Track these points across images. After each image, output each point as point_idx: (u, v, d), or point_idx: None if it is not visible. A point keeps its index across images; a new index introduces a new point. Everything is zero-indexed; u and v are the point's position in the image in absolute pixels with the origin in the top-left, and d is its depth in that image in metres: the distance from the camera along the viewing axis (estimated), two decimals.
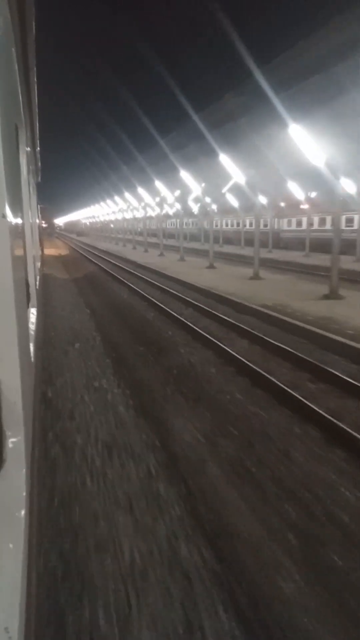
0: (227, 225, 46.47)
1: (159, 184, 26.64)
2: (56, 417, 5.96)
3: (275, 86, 11.08)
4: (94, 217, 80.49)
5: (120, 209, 48.19)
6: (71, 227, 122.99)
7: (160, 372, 8.19)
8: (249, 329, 9.96)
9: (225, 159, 16.51)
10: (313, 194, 33.40)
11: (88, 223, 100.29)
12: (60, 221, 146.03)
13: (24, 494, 1.21)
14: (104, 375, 8.25)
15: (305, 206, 35.93)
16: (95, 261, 28.74)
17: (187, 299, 14.19)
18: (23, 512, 1.18)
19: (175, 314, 11.94)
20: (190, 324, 10.70)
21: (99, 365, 8.79)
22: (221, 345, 8.91)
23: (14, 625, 0.91)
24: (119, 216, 51.61)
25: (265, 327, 10.43)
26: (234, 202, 34.49)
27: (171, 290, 15.91)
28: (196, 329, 10.24)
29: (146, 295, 15.12)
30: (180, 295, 14.93)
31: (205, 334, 9.75)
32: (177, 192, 28.18)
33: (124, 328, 11.60)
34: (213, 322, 11.27)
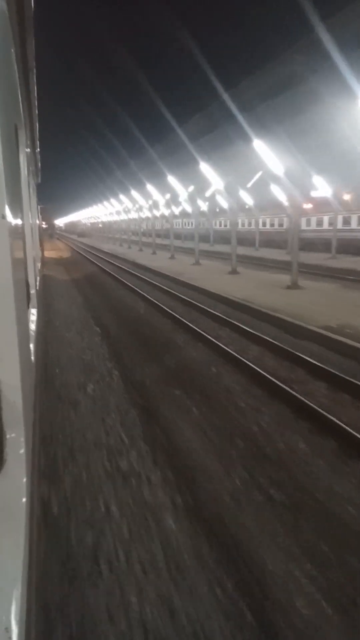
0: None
1: (171, 179, 23.95)
2: (70, 579, 3.31)
3: (342, 43, 8.48)
4: (96, 217, 77.84)
5: (124, 209, 45.47)
6: (72, 228, 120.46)
7: (214, 440, 5.59)
8: (323, 366, 7.34)
9: (260, 145, 13.85)
10: (321, 193, 30.82)
11: (89, 224, 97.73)
12: (60, 222, 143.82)
13: (25, 493, 1.19)
14: (133, 443, 5.64)
15: (309, 205, 33.26)
16: (101, 265, 26.13)
17: (219, 314, 11.58)
18: (24, 512, 1.16)
19: (211, 339, 9.34)
20: (238, 356, 8.09)
21: (123, 424, 6.18)
22: (295, 394, 6.30)
23: (14, 626, 0.90)
24: (124, 216, 48.89)
25: (344, 362, 7.79)
26: (246, 199, 31.90)
27: (196, 303, 13.30)
28: (250, 364, 7.62)
29: (167, 309, 12.51)
30: (209, 310, 12.31)
31: (264, 374, 7.14)
32: (191, 188, 25.55)
33: (148, 357, 8.99)
34: (266, 352, 8.65)
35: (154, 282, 18.11)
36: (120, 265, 26.15)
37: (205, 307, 12.62)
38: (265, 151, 13.95)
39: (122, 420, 6.32)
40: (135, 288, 16.57)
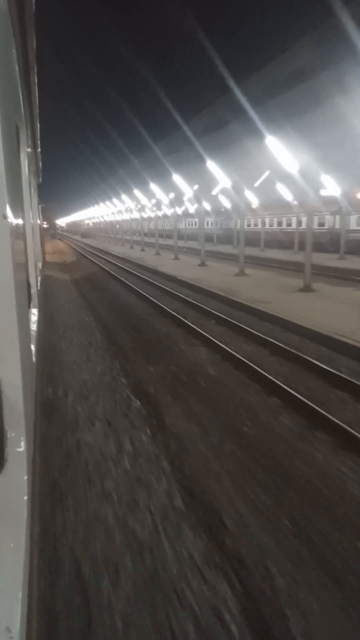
0: (246, 224, 39.15)
1: (210, 164, 18.87)
2: None
3: None
4: (101, 216, 72.70)
5: (137, 206, 40.38)
6: (74, 228, 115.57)
7: None
8: None
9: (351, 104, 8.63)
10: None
11: (91, 224, 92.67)
12: (62, 222, 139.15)
13: (26, 493, 1.18)
14: None
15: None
16: (115, 274, 21.09)
17: (348, 378, 6.55)
18: (25, 512, 1.14)
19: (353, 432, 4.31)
20: None
21: None
22: None
23: (16, 625, 0.90)
24: (136, 215, 43.77)
25: None
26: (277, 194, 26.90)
27: (294, 351, 8.25)
28: None
29: (246, 361, 7.50)
30: (330, 370, 7.28)
31: None
32: (227, 179, 20.51)
33: (239, 468, 3.95)
34: None
35: (202, 305, 12.98)
36: (140, 275, 21.09)
37: (320, 364, 7.54)
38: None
39: None
40: (175, 314, 11.53)
